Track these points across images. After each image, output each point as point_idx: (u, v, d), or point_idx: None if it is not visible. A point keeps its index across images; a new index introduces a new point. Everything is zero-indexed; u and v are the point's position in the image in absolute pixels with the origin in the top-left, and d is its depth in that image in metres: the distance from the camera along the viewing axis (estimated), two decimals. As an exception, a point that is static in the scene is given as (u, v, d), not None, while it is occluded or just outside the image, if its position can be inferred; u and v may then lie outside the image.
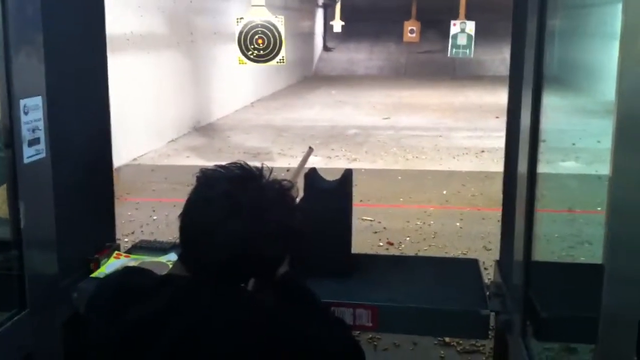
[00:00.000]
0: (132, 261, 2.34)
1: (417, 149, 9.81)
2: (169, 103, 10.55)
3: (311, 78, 21.85)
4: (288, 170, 2.16)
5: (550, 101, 1.70)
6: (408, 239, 5.65)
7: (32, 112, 1.84)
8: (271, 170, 1.47)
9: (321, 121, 12.60)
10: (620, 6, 1.05)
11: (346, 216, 2.25)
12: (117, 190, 2.68)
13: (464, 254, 5.16)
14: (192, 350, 1.35)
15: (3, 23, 1.73)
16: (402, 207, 6.69)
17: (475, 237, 5.58)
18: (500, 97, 11.34)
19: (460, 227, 5.98)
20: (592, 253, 4.27)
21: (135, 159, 9.10)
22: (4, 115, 1.78)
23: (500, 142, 2.43)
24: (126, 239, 5.07)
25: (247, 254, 1.38)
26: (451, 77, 20.53)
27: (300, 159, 2.13)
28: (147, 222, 6.13)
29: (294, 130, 11.62)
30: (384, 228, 5.91)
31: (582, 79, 14.68)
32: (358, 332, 2.89)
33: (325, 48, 24.50)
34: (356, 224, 2.36)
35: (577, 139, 8.79)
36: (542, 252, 1.88)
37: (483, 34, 16.14)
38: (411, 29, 17.42)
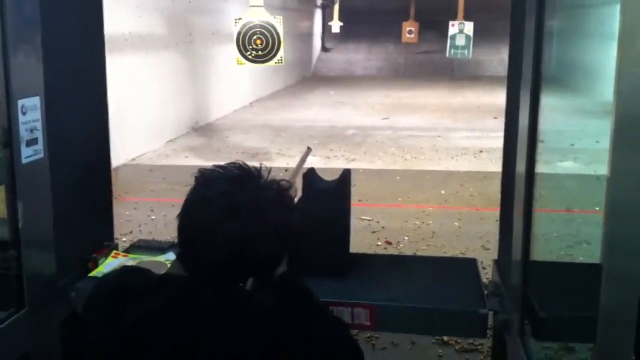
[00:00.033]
0: (130, 260, 2.33)
1: (415, 149, 9.81)
2: (167, 103, 10.54)
3: (310, 78, 21.85)
4: (286, 170, 2.16)
5: (549, 101, 1.70)
6: (406, 238, 5.66)
7: (30, 112, 1.84)
8: (269, 170, 1.47)
9: (320, 121, 12.60)
10: (618, 7, 1.05)
11: (345, 216, 2.25)
12: (115, 190, 2.68)
13: (462, 253, 5.17)
14: (191, 351, 1.35)
15: (1, 22, 1.73)
16: (401, 206, 6.70)
17: (474, 236, 5.59)
18: (498, 98, 11.37)
19: (459, 227, 5.98)
20: (590, 253, 4.28)
21: (133, 159, 9.10)
22: (1, 116, 1.78)
23: (499, 143, 2.43)
24: (124, 239, 5.07)
25: (246, 254, 1.38)
26: (449, 78, 20.54)
27: (298, 159, 2.13)
28: (145, 222, 6.13)
29: (292, 130, 11.62)
30: (383, 228, 5.91)
31: (581, 79, 14.69)
32: (356, 331, 2.89)
33: (324, 48, 24.50)
34: (355, 223, 2.36)
35: (576, 139, 8.80)
36: (541, 252, 1.88)
37: (481, 35, 16.18)
38: (409, 30, 17.44)
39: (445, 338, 3.65)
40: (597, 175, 6.09)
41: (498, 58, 20.39)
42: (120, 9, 8.33)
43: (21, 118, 1.80)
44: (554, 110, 1.95)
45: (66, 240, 2.08)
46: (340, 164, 8.38)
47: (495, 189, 2.50)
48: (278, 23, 7.25)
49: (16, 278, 1.87)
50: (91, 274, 2.25)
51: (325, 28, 23.34)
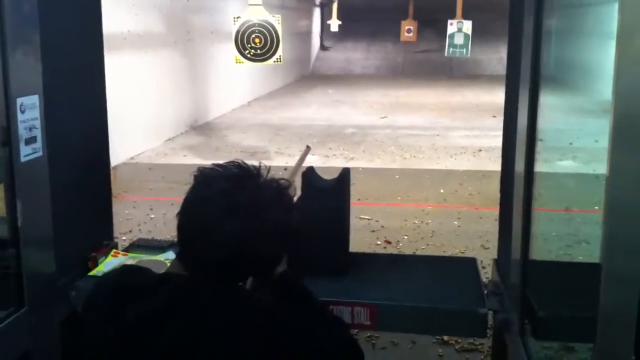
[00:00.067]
0: (130, 259, 2.33)
1: (414, 148, 9.81)
2: (166, 102, 10.54)
3: (308, 77, 21.85)
4: (285, 169, 2.16)
5: (548, 100, 1.70)
6: (406, 237, 5.66)
7: (29, 111, 1.84)
8: (269, 169, 1.47)
9: (318, 120, 12.60)
10: (616, 6, 1.05)
11: (344, 215, 2.25)
12: (114, 188, 2.68)
13: (462, 252, 5.17)
14: (191, 350, 1.35)
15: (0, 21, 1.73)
16: (400, 205, 6.70)
17: (473, 236, 5.59)
18: (497, 97, 11.38)
19: (458, 226, 5.99)
20: (589, 252, 4.28)
21: (132, 158, 9.10)
22: (0, 114, 1.78)
23: (498, 141, 2.43)
24: (124, 238, 5.07)
25: (245, 253, 1.38)
26: (448, 77, 20.54)
27: (297, 157, 2.13)
28: (144, 221, 6.12)
29: (291, 129, 11.62)
30: (382, 227, 5.91)
31: (579, 78, 14.69)
32: (356, 330, 2.89)
33: (323, 47, 24.49)
34: (354, 222, 2.37)
35: (575, 138, 8.81)
36: (540, 251, 1.89)
37: (480, 33, 16.17)
38: (408, 29, 17.43)
39: (445, 337, 3.65)
40: (596, 174, 6.09)
41: (497, 57, 20.39)
42: (119, 8, 8.32)
43: (20, 116, 1.80)
44: (553, 109, 1.95)
45: (66, 239, 2.08)
46: (339, 163, 8.37)
47: (494, 188, 2.50)
48: (277, 22, 7.24)
49: (16, 277, 1.87)
50: (91, 273, 2.25)
51: (324, 27, 23.33)
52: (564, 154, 8.02)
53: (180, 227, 1.43)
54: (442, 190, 7.21)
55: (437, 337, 3.63)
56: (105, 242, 2.42)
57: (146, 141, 9.73)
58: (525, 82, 1.70)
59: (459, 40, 13.11)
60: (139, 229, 5.84)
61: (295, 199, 1.60)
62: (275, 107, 14.71)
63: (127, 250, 2.49)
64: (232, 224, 1.36)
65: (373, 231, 5.77)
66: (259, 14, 7.25)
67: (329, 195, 2.21)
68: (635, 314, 1.08)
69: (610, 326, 1.10)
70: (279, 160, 8.51)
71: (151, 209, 6.45)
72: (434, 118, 12.77)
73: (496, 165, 2.51)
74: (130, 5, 8.99)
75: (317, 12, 23.76)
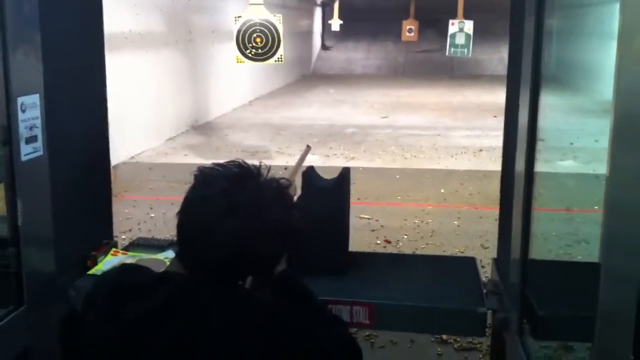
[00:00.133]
0: (130, 258, 2.34)
1: (415, 147, 9.81)
2: (167, 101, 10.54)
3: (309, 77, 21.85)
4: (286, 168, 2.16)
5: (548, 100, 1.70)
6: (406, 237, 5.66)
7: (30, 110, 1.84)
8: (269, 168, 1.47)
9: (319, 120, 12.60)
10: (617, 6, 1.05)
11: (344, 214, 2.25)
12: (114, 188, 2.69)
13: (462, 252, 5.17)
14: (190, 349, 1.35)
15: (0, 21, 1.73)
16: (400, 205, 6.70)
17: (473, 235, 5.59)
18: (498, 97, 11.37)
19: (458, 226, 5.99)
20: (589, 252, 4.28)
21: (133, 157, 9.10)
22: (1, 113, 1.78)
23: (498, 141, 2.43)
24: (123, 237, 5.07)
25: (245, 252, 1.39)
26: (449, 77, 20.54)
27: (298, 157, 2.13)
28: (144, 220, 6.13)
29: (292, 128, 11.62)
30: (382, 226, 5.91)
31: (580, 78, 14.68)
32: (355, 329, 2.90)
33: (324, 47, 24.49)
34: (354, 222, 2.37)
35: (575, 138, 8.80)
36: (540, 251, 1.89)
37: (481, 34, 16.16)
38: (409, 28, 17.41)
39: (444, 337, 3.65)
40: (597, 174, 6.09)
41: (498, 57, 20.39)
42: (120, 8, 8.33)
43: (20, 115, 1.80)
44: (554, 109, 1.95)
45: (65, 238, 2.08)
46: (340, 163, 8.37)
47: (494, 187, 2.50)
48: (278, 21, 7.24)
49: (15, 275, 1.88)
50: (90, 272, 2.25)
51: (325, 26, 23.32)
52: (565, 153, 8.02)
53: (180, 227, 1.43)
54: (442, 190, 7.21)
55: (436, 336, 3.63)
56: (105, 241, 2.42)
57: (147, 140, 9.74)
58: (526, 82, 1.70)
59: (460, 40, 13.09)
60: (139, 228, 5.84)
61: (295, 198, 1.60)
62: (276, 106, 14.71)
63: (126, 249, 2.49)
64: (232, 224, 1.36)
65: (373, 230, 5.77)
66: (260, 14, 7.24)
67: (329, 194, 2.21)
68: (633, 313, 1.08)
69: (609, 325, 1.10)
70: (280, 159, 8.51)
71: (151, 208, 6.45)
72: (435, 118, 12.77)
73: (497, 165, 2.51)
74: (132, 5, 8.99)
75: (318, 12, 23.75)
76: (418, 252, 5.19)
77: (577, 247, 4.75)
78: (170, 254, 2.32)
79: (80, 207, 2.27)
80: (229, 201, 1.37)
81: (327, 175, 2.32)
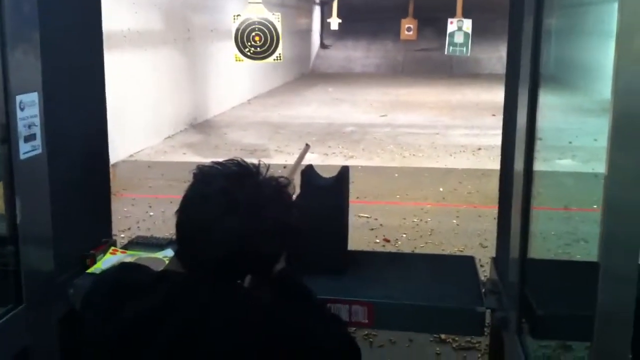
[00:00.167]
0: (129, 257, 2.33)
1: (414, 146, 9.82)
2: (165, 100, 10.54)
3: (308, 75, 21.84)
4: (285, 167, 2.16)
5: (547, 99, 1.70)
6: (404, 236, 5.66)
7: (29, 108, 1.84)
8: (268, 167, 1.47)
9: (318, 118, 12.60)
10: (616, 5, 1.05)
11: (343, 213, 2.25)
12: (113, 186, 2.68)
13: (460, 251, 5.17)
14: (189, 348, 1.35)
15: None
16: (399, 204, 6.70)
17: (472, 234, 5.60)
18: (497, 95, 11.37)
19: (457, 225, 5.99)
20: (587, 251, 4.28)
21: (131, 155, 9.09)
22: (0, 111, 1.78)
23: (497, 140, 2.43)
24: (122, 235, 5.06)
25: (244, 251, 1.39)
26: (448, 75, 20.54)
27: (297, 156, 2.13)
28: (143, 218, 6.13)
29: (290, 127, 11.61)
30: (381, 225, 5.91)
31: (579, 77, 14.69)
32: (354, 328, 2.89)
33: (323, 45, 24.48)
34: (353, 221, 2.37)
35: (574, 137, 8.81)
36: (538, 250, 1.89)
37: (480, 32, 16.13)
38: (408, 27, 17.39)
39: (443, 336, 3.65)
40: (595, 173, 6.09)
41: (497, 56, 20.38)
42: (119, 6, 8.32)
43: (19, 114, 1.80)
44: (553, 108, 1.95)
45: (64, 237, 2.08)
46: (339, 161, 8.38)
47: (493, 186, 2.50)
48: (277, 20, 7.23)
49: (14, 274, 1.87)
50: (89, 271, 2.25)
51: (324, 25, 23.30)
52: (563, 152, 8.02)
53: (179, 225, 1.43)
54: (441, 189, 7.21)
55: (435, 335, 3.63)
56: (103, 239, 2.42)
57: (146, 139, 9.73)
58: (524, 81, 1.70)
59: (459, 38, 13.08)
60: (138, 227, 5.84)
61: (294, 197, 1.60)
62: (275, 105, 14.70)
63: (125, 247, 2.49)
64: (231, 222, 1.36)
65: (372, 229, 5.77)
66: (259, 12, 7.24)
67: (328, 193, 2.21)
68: (632, 312, 1.08)
69: (608, 325, 1.10)
70: (279, 158, 8.51)
71: (150, 207, 6.45)
72: (433, 116, 12.77)
73: (495, 164, 2.51)
74: (130, 3, 8.99)
75: (317, 10, 23.74)
76: (417, 251, 5.20)
77: (576, 246, 4.75)
78: (169, 252, 2.32)
79: (79, 205, 2.27)
80: (228, 200, 1.37)
81: (326, 174, 2.32)
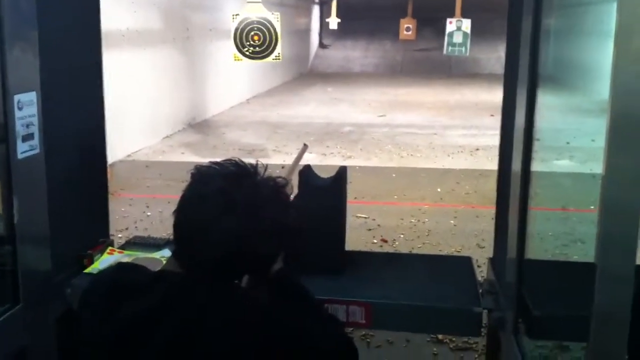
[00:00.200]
0: (126, 257, 2.33)
1: (412, 146, 9.82)
2: (164, 99, 10.53)
3: (307, 75, 21.83)
4: (283, 167, 2.16)
5: (545, 100, 1.70)
6: (402, 236, 5.66)
7: (26, 108, 1.84)
8: (266, 167, 1.47)
9: (316, 118, 12.59)
10: (615, 5, 1.06)
11: (340, 213, 2.25)
12: (111, 186, 2.68)
13: (458, 251, 5.18)
14: (186, 348, 1.35)
15: (-2, 18, 1.72)
16: (397, 204, 6.70)
17: (469, 234, 5.60)
18: (495, 95, 11.37)
19: (454, 225, 5.99)
20: (584, 252, 4.28)
21: (129, 155, 9.09)
22: (-3, 111, 1.78)
23: (495, 140, 2.43)
24: (120, 235, 5.06)
25: (242, 251, 1.39)
26: (447, 75, 20.54)
27: (295, 156, 2.13)
28: (141, 218, 6.12)
29: (289, 127, 11.61)
30: (378, 225, 5.91)
31: (577, 77, 14.70)
32: (351, 329, 2.89)
33: (321, 45, 24.47)
34: (350, 221, 2.37)
35: (572, 138, 8.81)
36: (536, 250, 1.89)
37: (479, 32, 16.16)
38: (407, 27, 17.42)
39: (440, 336, 3.65)
40: (593, 173, 6.09)
41: (495, 56, 20.40)
42: (118, 5, 8.31)
43: (17, 113, 1.80)
44: (551, 109, 1.95)
45: (62, 237, 2.08)
46: (337, 161, 8.38)
47: (491, 186, 2.50)
48: (275, 19, 7.23)
49: (11, 274, 1.87)
50: (86, 271, 2.24)
51: (323, 24, 23.30)
52: (561, 153, 8.03)
53: (177, 225, 1.43)
54: (439, 189, 7.21)
55: (432, 335, 3.63)
56: (101, 239, 2.42)
57: (144, 138, 9.72)
58: (523, 81, 1.70)
59: (457, 38, 13.11)
60: (135, 227, 5.83)
61: (292, 197, 1.60)
62: (274, 104, 14.70)
63: (123, 247, 2.48)
64: (229, 222, 1.36)
65: (369, 230, 5.77)
66: (257, 12, 7.24)
67: (326, 193, 2.21)
68: (628, 313, 1.08)
69: (604, 325, 1.10)
70: (277, 158, 8.51)
71: (147, 207, 6.44)
72: (432, 117, 12.77)
73: (493, 164, 2.51)
74: (129, 2, 8.98)
75: (316, 10, 23.74)
76: (414, 251, 5.20)
77: (573, 247, 4.75)
78: (166, 252, 2.32)
79: (77, 205, 2.26)
80: (226, 200, 1.37)
81: (324, 174, 2.32)
